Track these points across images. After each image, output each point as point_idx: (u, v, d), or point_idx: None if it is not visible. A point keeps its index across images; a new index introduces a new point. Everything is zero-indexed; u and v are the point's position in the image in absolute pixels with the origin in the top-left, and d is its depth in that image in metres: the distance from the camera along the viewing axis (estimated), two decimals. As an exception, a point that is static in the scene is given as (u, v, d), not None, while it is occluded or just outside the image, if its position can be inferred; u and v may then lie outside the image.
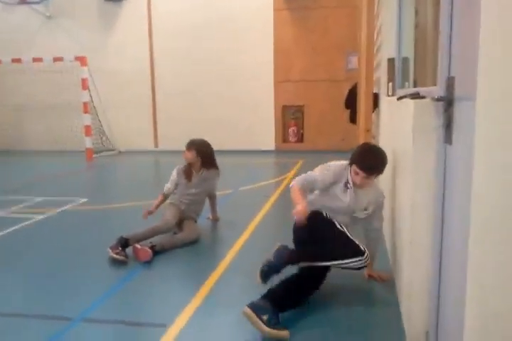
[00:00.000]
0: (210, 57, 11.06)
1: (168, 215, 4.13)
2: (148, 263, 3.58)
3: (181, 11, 11.06)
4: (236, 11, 10.85)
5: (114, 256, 3.63)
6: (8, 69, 11.37)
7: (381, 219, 3.14)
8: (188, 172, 4.32)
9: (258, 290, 3.05)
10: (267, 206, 5.39)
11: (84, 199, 5.85)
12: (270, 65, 10.92)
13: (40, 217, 5.05)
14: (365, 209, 3.02)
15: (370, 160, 2.93)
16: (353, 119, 5.67)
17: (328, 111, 10.73)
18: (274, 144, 11.15)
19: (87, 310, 2.85)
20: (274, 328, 2.43)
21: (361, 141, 5.09)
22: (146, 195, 5.52)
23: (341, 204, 2.98)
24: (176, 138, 11.11)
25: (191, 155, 4.32)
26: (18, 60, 10.59)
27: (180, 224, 4.19)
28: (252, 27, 10.85)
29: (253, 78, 11.00)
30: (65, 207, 5.45)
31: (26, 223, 4.82)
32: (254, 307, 2.50)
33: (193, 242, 4.12)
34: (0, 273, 3.55)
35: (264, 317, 2.47)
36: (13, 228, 4.62)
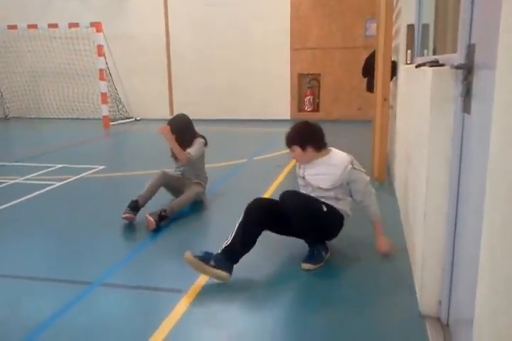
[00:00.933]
0: (226, 24, 10.86)
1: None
2: (155, 231, 3.65)
3: (197, -24, 10.82)
4: (252, -25, 10.57)
5: (123, 216, 3.79)
6: (23, 35, 11.33)
7: (359, 192, 3.07)
8: (172, 150, 4.31)
9: (273, 260, 3.12)
10: (281, 176, 5.39)
11: (102, 167, 5.93)
12: (286, 32, 10.70)
13: (59, 183, 5.15)
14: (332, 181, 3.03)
15: (287, 133, 3.14)
16: (370, 88, 5.56)
17: (344, 80, 10.55)
18: (290, 113, 11.06)
19: (105, 275, 2.93)
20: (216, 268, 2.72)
21: (378, 110, 5.02)
22: (162, 163, 5.54)
23: (301, 181, 3.23)
24: (191, 106, 11.11)
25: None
26: (33, 26, 10.53)
27: (182, 190, 4.23)
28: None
29: (269, 46, 10.82)
30: (84, 174, 5.54)
31: (45, 189, 4.91)
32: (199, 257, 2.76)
33: (199, 200, 4.30)
34: (20, 237, 3.66)
35: (212, 263, 2.74)
36: (33, 194, 4.73)
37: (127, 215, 3.81)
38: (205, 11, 10.87)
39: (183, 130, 4.31)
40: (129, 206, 3.86)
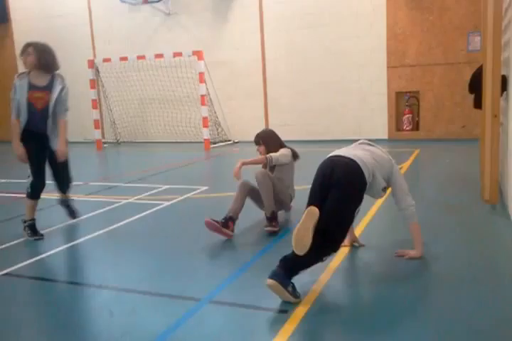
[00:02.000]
0: (320, 45, 10.97)
1: None
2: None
3: (291, 1, 11.09)
4: (347, -4, 10.64)
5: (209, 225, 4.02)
6: (133, 65, 12.26)
7: None
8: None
9: (379, 275, 3.04)
10: (380, 200, 5.23)
11: (205, 187, 6.18)
12: (382, 49, 10.55)
13: (167, 203, 5.45)
14: None
15: None
16: (478, 104, 5.30)
17: (446, 97, 10.14)
18: (387, 133, 10.80)
19: (213, 292, 3.02)
20: (296, 297, 2.77)
21: (488, 127, 4.75)
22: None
23: None
24: (286, 128, 11.27)
25: (262, 149, 4.46)
26: (142, 57, 11.39)
27: None
28: (364, 11, 10.56)
29: (364, 64, 10.73)
30: (189, 195, 5.81)
31: (155, 209, 5.22)
32: (278, 277, 2.75)
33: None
34: (134, 254, 3.91)
35: (290, 289, 2.75)
36: (144, 213, 5.04)
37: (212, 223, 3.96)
38: (299, 34, 11.09)
39: (268, 140, 4.48)
40: (221, 225, 4.02)
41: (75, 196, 6.02)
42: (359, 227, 4.15)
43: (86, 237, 4.29)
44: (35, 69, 4.13)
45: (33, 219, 4.34)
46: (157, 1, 11.81)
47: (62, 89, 4.18)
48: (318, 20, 10.90)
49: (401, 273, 3.18)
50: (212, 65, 11.61)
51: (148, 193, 6.01)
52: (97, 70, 12.41)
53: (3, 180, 7.51)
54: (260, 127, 11.80)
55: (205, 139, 10.90)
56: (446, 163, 7.52)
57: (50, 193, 6.28)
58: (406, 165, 7.22)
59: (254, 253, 3.71)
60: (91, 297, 3.14)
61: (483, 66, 4.83)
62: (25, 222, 4.32)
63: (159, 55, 11.18)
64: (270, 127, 11.70)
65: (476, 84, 5.38)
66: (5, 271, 3.51)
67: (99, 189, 6.57)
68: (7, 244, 4.16)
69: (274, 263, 3.46)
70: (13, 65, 14.41)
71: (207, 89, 11.21)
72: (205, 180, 7.15)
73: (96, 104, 12.27)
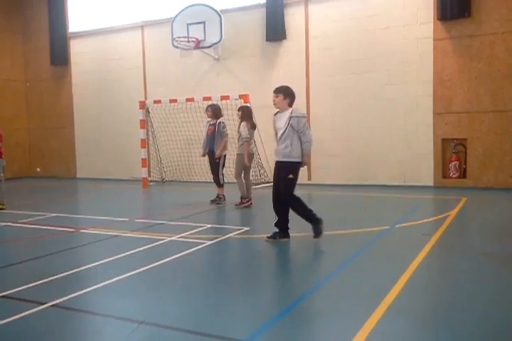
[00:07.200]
0: (366, 91, 11.08)
1: None
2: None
3: (337, 47, 11.35)
4: (394, 43, 10.79)
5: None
6: (181, 107, 12.70)
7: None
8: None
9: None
10: (428, 245, 5.10)
11: (247, 228, 6.20)
12: (429, 96, 10.55)
13: (210, 242, 5.49)
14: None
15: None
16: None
17: (495, 145, 9.94)
18: (433, 179, 10.61)
19: (255, 335, 2.98)
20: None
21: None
22: (299, 226, 5.64)
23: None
24: (329, 171, 11.28)
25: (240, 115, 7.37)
26: (191, 99, 11.79)
27: None
28: (410, 59, 10.66)
29: (411, 110, 10.72)
30: (231, 235, 5.84)
31: (198, 247, 5.27)
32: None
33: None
34: (174, 291, 3.92)
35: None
36: (186, 252, 5.08)
37: None
38: (345, 79, 11.26)
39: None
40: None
41: (121, 232, 6.17)
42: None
43: (129, 273, 4.35)
44: (212, 118, 8.78)
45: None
46: (207, 47, 12.35)
47: (219, 124, 8.68)
48: (364, 67, 11.07)
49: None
50: (258, 108, 11.87)
51: (192, 232, 6.07)
52: (148, 111, 12.91)
53: (53, 214, 7.77)
54: (303, 170, 11.91)
55: (247, 180, 11.00)
56: (494, 212, 7.28)
57: (95, 228, 6.46)
58: (453, 213, 7.03)
59: (298, 296, 3.65)
60: (134, 332, 3.13)
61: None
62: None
63: (207, 98, 11.53)
64: (312, 169, 11.74)
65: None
66: (51, 303, 3.59)
67: (144, 226, 6.69)
68: (52, 277, 4.26)
69: (316, 309, 3.42)
70: (69, 104, 15.27)
71: (251, 131, 11.40)
72: (246, 220, 7.19)
73: (144, 143, 12.68)
